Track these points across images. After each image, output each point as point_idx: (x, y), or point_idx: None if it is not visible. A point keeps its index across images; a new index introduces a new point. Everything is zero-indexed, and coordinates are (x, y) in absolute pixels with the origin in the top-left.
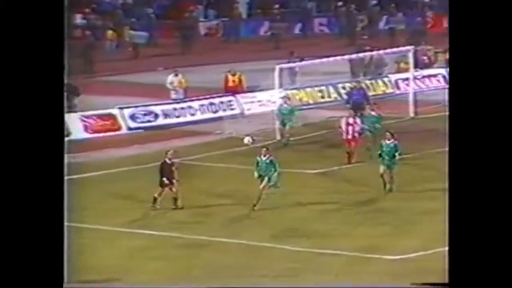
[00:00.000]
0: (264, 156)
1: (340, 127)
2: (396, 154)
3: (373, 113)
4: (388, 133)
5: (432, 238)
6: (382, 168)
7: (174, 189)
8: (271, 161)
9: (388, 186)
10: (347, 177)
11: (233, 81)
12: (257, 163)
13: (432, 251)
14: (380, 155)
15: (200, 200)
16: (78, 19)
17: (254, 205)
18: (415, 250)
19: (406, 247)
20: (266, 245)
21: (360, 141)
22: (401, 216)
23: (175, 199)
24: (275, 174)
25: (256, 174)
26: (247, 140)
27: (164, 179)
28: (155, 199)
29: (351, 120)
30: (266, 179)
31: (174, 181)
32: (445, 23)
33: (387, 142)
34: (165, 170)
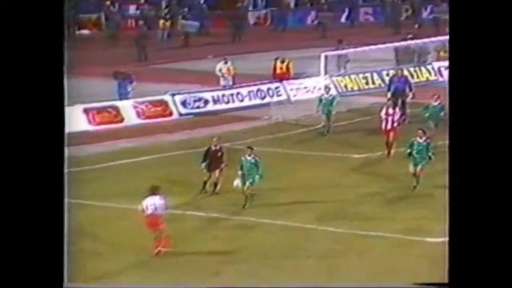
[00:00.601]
0: (249, 156)
1: (380, 116)
2: (429, 154)
3: (435, 103)
4: (420, 131)
5: None
6: (411, 167)
7: (216, 175)
8: (256, 161)
9: (414, 183)
10: (390, 162)
11: (281, 68)
12: (241, 162)
13: None
14: (410, 154)
15: None
16: (132, 9)
17: (244, 205)
18: None
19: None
20: (310, 227)
21: (399, 132)
22: (442, 200)
23: (215, 184)
24: (257, 176)
25: (239, 173)
26: (235, 184)
27: (203, 165)
28: (204, 183)
29: (390, 111)
30: (249, 180)
31: (219, 168)
32: None
33: (419, 140)
34: (208, 156)
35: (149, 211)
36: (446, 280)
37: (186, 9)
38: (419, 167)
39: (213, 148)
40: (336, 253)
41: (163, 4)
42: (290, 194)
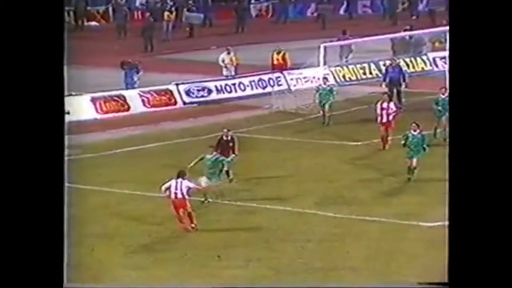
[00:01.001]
0: (211, 153)
1: (375, 111)
2: (425, 146)
3: (443, 96)
4: (414, 124)
5: None
6: (407, 160)
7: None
8: (216, 159)
9: (409, 175)
10: (387, 149)
11: (277, 59)
12: (204, 159)
13: None
14: (404, 145)
15: (250, 170)
16: (138, 2)
17: (205, 201)
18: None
19: (442, 215)
20: (310, 212)
21: (394, 125)
22: (438, 186)
23: (227, 172)
24: (221, 175)
25: (205, 171)
26: (203, 182)
27: (214, 153)
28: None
29: (385, 105)
30: (213, 178)
31: (230, 156)
32: None
33: (414, 133)
34: (220, 146)
35: (173, 196)
36: (440, 262)
37: (190, 2)
38: (414, 160)
39: (224, 138)
40: (335, 237)
41: None
42: (290, 180)
